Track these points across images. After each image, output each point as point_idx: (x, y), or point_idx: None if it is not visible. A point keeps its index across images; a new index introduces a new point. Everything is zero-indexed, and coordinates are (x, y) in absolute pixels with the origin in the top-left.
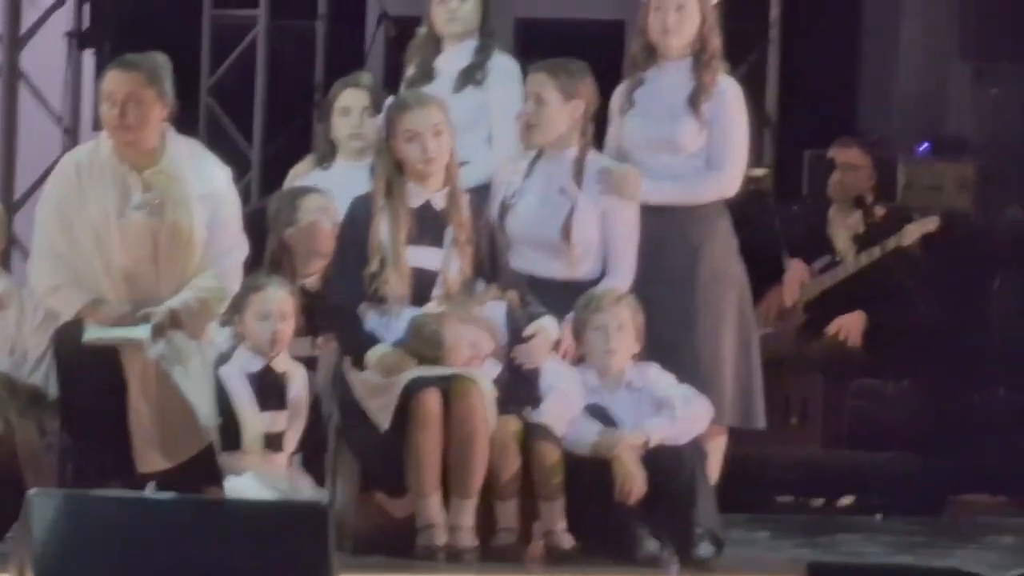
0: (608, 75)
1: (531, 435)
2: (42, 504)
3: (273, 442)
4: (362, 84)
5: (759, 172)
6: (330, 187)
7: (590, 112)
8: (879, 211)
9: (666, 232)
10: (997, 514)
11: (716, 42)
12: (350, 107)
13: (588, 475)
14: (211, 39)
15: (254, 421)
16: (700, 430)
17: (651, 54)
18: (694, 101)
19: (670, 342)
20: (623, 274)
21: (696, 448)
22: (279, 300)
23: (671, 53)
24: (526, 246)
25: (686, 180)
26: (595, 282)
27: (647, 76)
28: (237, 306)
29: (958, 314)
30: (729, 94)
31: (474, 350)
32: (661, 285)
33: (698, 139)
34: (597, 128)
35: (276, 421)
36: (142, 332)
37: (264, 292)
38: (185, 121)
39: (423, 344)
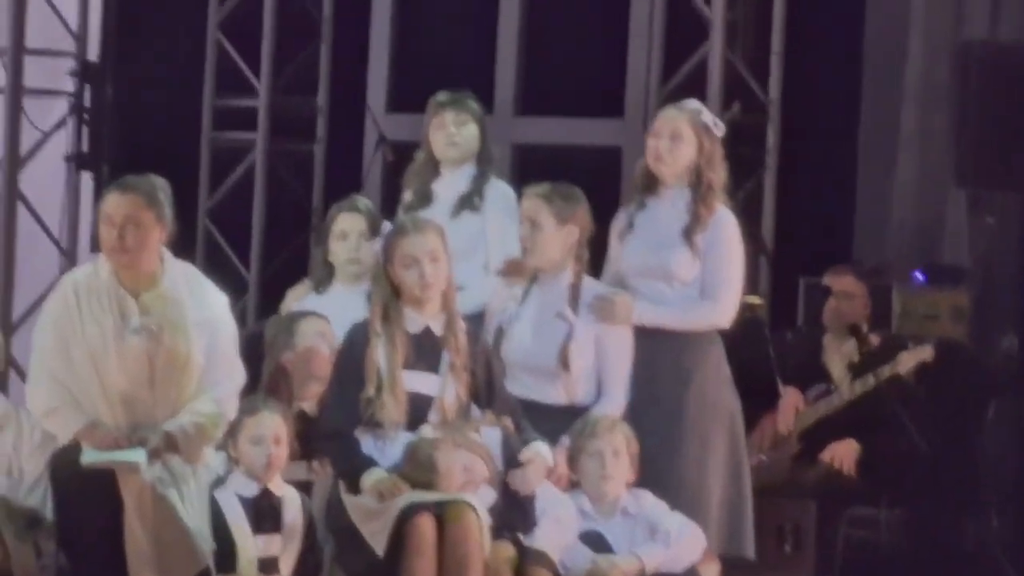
0: (605, 202)
1: (526, 561)
2: None
3: (268, 566)
4: (359, 208)
5: (754, 299)
6: (327, 311)
7: (584, 238)
8: (874, 339)
9: (658, 358)
10: None
11: (712, 175)
12: (347, 231)
13: None
14: (209, 161)
15: (249, 545)
16: (695, 558)
17: (651, 180)
18: (689, 232)
19: (658, 468)
20: (616, 399)
21: None
22: (273, 425)
23: (667, 181)
24: (521, 371)
25: (680, 307)
26: (588, 407)
27: (648, 202)
28: (231, 430)
29: (952, 443)
30: (725, 225)
31: (469, 475)
32: (651, 411)
33: (692, 269)
34: (593, 254)
35: (271, 545)
36: (139, 455)
37: (258, 417)
38: (183, 243)
39: (418, 469)
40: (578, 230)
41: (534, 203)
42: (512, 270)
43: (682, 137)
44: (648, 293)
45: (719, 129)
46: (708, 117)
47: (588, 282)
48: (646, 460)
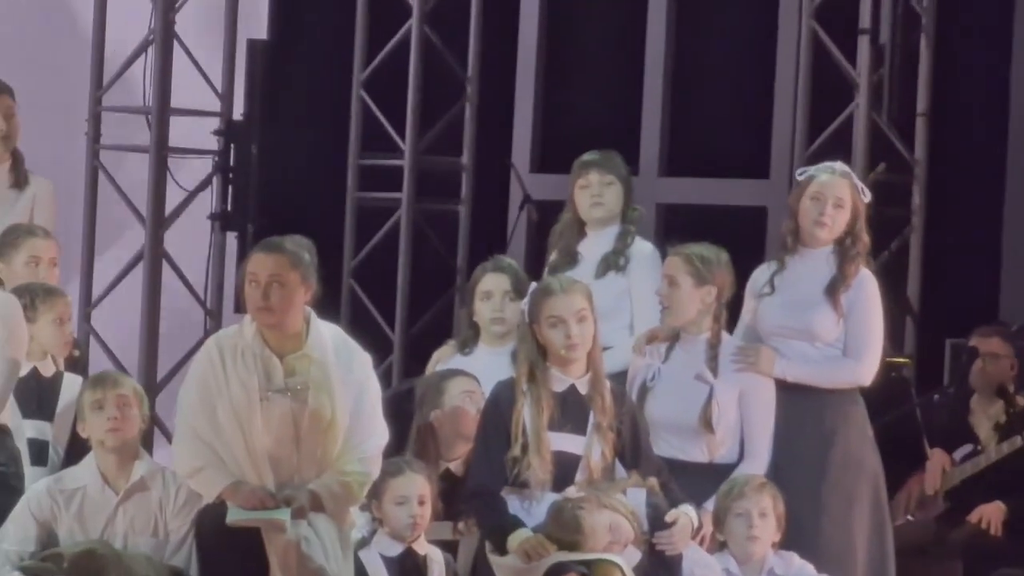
0: (749, 261)
1: None
2: None
3: None
4: (504, 268)
5: (901, 360)
6: (472, 371)
7: (724, 297)
8: (1021, 400)
9: (801, 417)
10: None
11: (865, 237)
12: (492, 291)
13: None
14: (354, 221)
15: None
16: None
17: (796, 240)
18: (832, 291)
19: (802, 527)
20: (761, 457)
21: None
22: (417, 485)
23: (816, 243)
24: (664, 430)
25: (823, 363)
26: (733, 466)
27: (788, 262)
28: (375, 491)
29: None
30: (867, 285)
31: (614, 535)
32: (795, 470)
33: (835, 330)
34: (731, 312)
35: None
36: (284, 514)
37: (402, 477)
38: (328, 303)
39: (562, 529)
40: (716, 290)
41: (674, 262)
42: (644, 344)
43: (844, 202)
44: (788, 353)
45: (867, 195)
46: (857, 181)
47: (727, 340)
48: (790, 520)
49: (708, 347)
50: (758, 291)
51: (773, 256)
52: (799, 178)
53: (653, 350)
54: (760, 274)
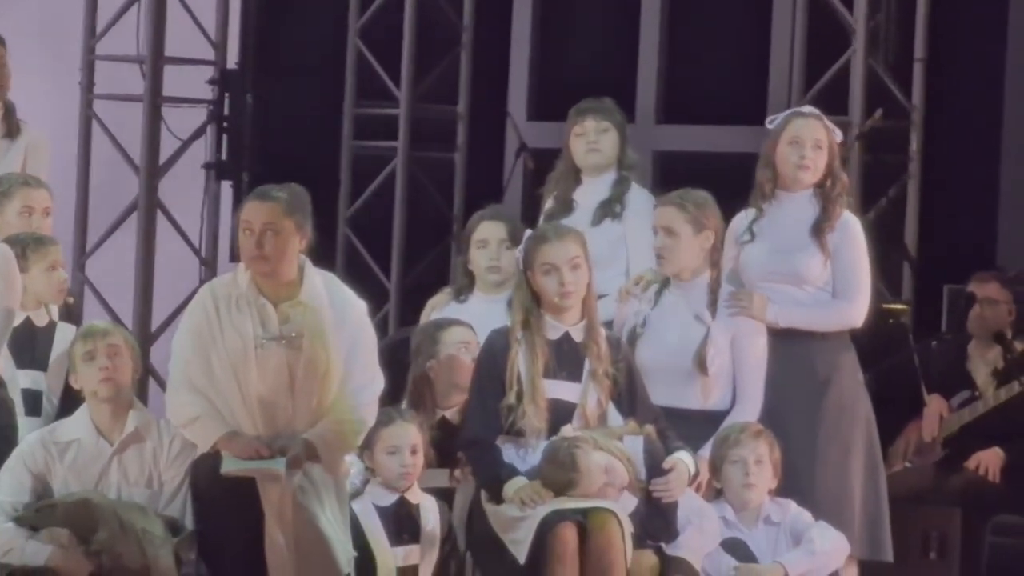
0: (745, 207)
1: (668, 569)
2: None
3: (408, 575)
4: (500, 216)
5: (898, 306)
6: (467, 320)
7: (719, 241)
8: (1019, 346)
9: (793, 365)
10: None
11: (844, 177)
12: (488, 239)
13: None
14: (350, 170)
15: (387, 554)
16: (838, 565)
17: (775, 186)
18: (818, 232)
19: (796, 473)
20: (753, 403)
21: None
22: (409, 435)
23: (799, 187)
24: (657, 375)
25: (815, 306)
26: (726, 412)
27: (767, 208)
28: (367, 441)
29: None
30: (851, 225)
31: (609, 477)
32: (789, 417)
33: (823, 272)
34: None
35: (410, 555)
36: (279, 464)
37: (393, 427)
38: (323, 251)
39: (557, 467)
40: (713, 234)
41: (669, 212)
42: (631, 290)
43: (823, 144)
44: (776, 298)
45: (839, 134)
46: (829, 122)
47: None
48: (786, 468)
49: (708, 292)
50: (738, 239)
51: (751, 204)
52: (769, 126)
53: (641, 295)
54: (739, 222)
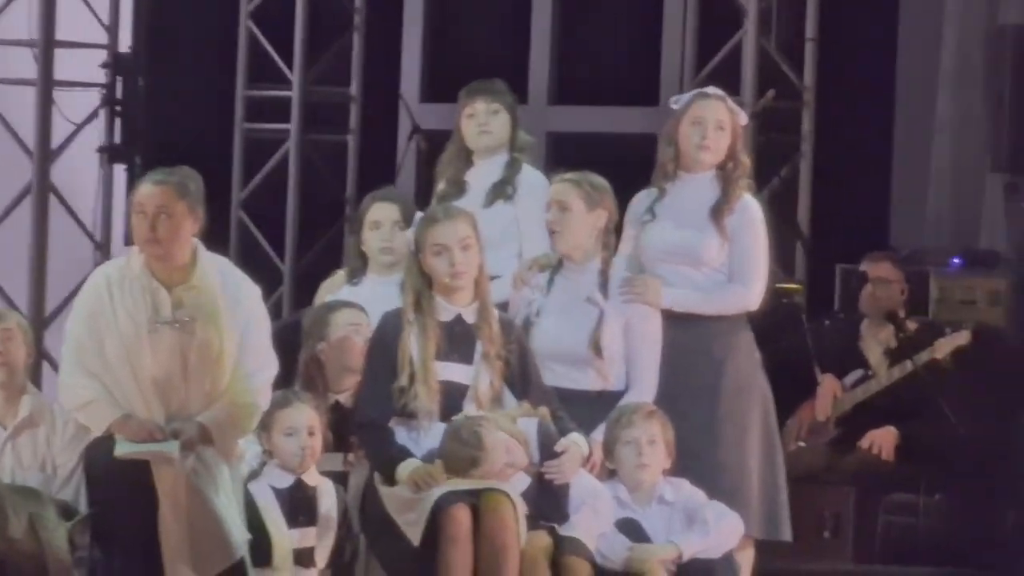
0: (639, 188)
1: (562, 550)
2: None
3: (303, 558)
4: (393, 198)
5: (791, 286)
6: (361, 302)
7: (611, 225)
8: (911, 325)
9: (689, 345)
10: None
11: (746, 160)
12: (380, 221)
13: None
14: (243, 153)
15: (284, 536)
16: (732, 544)
17: (677, 166)
18: (717, 214)
19: (694, 454)
20: (648, 385)
21: (728, 562)
22: (306, 417)
23: (700, 168)
24: (551, 360)
25: (710, 291)
26: (620, 392)
27: (668, 188)
28: (264, 423)
29: (990, 428)
30: (751, 208)
31: (510, 456)
32: (685, 398)
33: (720, 254)
34: None
35: (306, 537)
36: (172, 447)
37: (290, 409)
38: (216, 235)
39: (461, 445)
40: (606, 215)
41: (563, 187)
42: (523, 275)
43: (725, 125)
44: (673, 279)
45: (743, 117)
46: (732, 104)
47: (616, 268)
48: (682, 447)
49: (600, 273)
50: (639, 218)
51: (653, 183)
52: (673, 106)
53: (533, 281)
54: (639, 203)
